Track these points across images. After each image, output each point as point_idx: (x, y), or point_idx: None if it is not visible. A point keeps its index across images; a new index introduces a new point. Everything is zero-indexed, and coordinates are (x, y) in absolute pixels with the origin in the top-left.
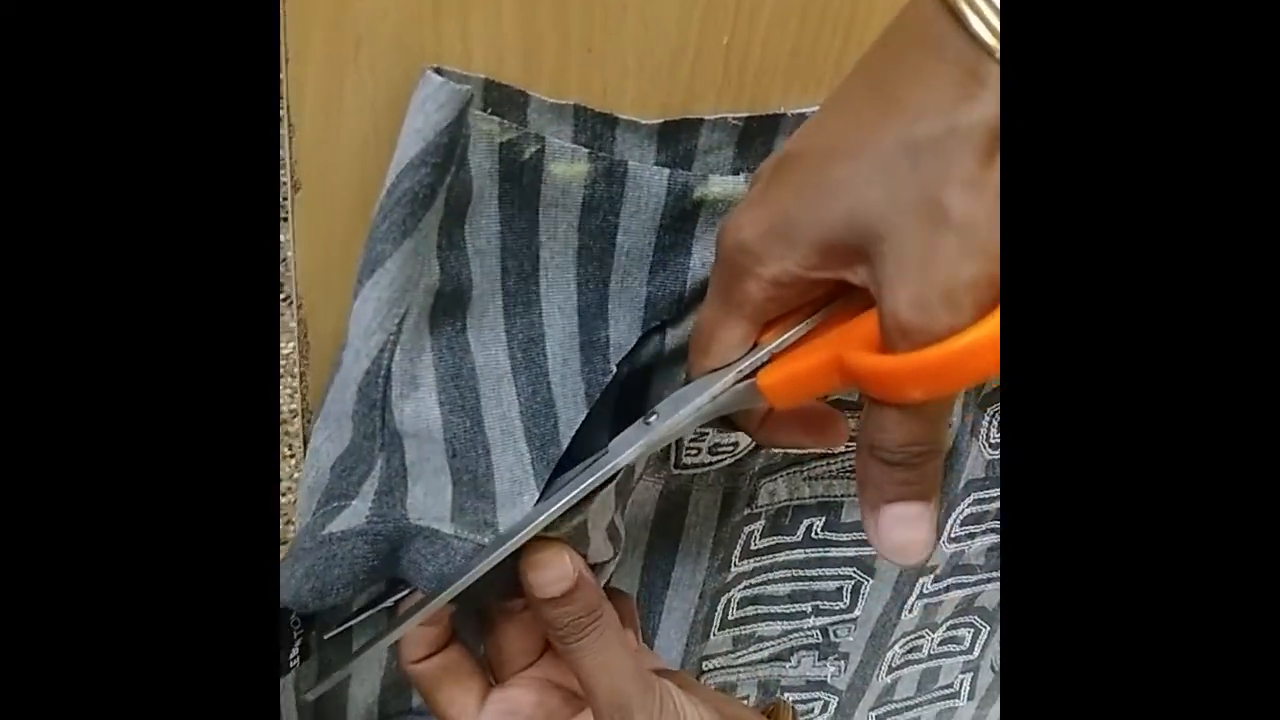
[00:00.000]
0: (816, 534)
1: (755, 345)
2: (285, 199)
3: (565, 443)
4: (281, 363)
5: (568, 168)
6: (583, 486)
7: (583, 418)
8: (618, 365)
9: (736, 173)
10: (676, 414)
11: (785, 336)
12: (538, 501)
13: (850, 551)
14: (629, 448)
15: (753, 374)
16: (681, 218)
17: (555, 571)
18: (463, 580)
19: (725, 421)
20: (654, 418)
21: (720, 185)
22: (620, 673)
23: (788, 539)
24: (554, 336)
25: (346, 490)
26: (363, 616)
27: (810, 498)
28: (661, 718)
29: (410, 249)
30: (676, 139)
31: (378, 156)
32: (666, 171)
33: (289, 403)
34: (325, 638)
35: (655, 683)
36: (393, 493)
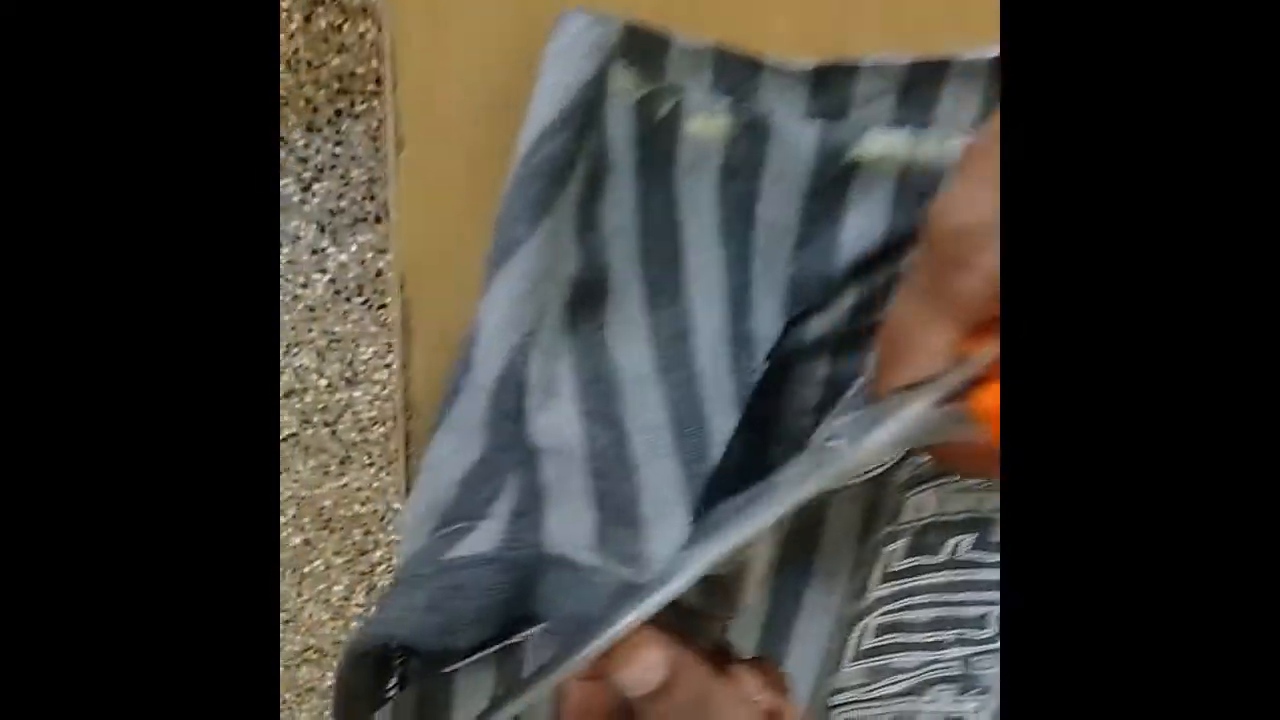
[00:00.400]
0: (963, 554)
1: (962, 357)
2: (386, 158)
3: (717, 456)
4: (369, 355)
5: (706, 123)
6: (745, 527)
7: (734, 426)
8: (767, 357)
9: (900, 125)
10: (864, 442)
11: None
12: (690, 530)
13: (998, 574)
14: (802, 481)
15: (963, 394)
16: (832, 183)
17: (641, 665)
18: (608, 634)
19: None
20: (833, 441)
21: (880, 142)
22: None
23: (930, 559)
24: (702, 330)
25: (474, 510)
26: (476, 657)
27: (958, 513)
28: None
29: (549, 230)
30: (830, 85)
31: (490, 111)
32: (818, 124)
33: (370, 407)
34: (443, 670)
35: None
36: (528, 515)
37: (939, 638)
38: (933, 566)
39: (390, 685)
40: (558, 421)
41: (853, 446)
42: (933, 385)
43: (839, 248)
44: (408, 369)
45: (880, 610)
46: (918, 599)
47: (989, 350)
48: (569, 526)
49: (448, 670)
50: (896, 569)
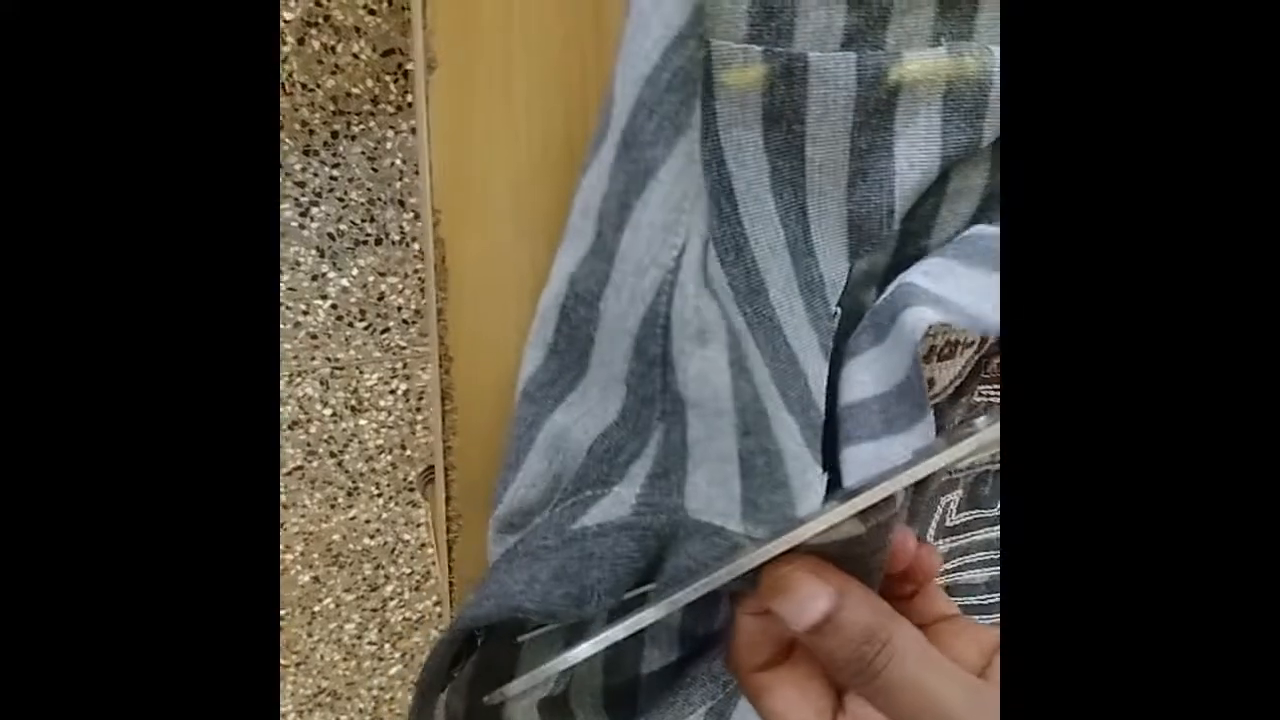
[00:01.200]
0: (952, 514)
1: None
2: (418, 81)
3: (822, 408)
4: (374, 381)
5: (741, 74)
6: (882, 486)
7: (825, 374)
8: (838, 306)
9: (937, 40)
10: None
11: None
12: (825, 498)
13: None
14: (938, 454)
15: None
16: (877, 111)
17: (802, 596)
18: (726, 570)
19: None
20: (981, 420)
21: (919, 62)
22: (944, 703)
23: (987, 513)
24: (775, 283)
25: (608, 475)
26: (550, 627)
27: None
28: None
29: (685, 152)
30: None
31: (524, 25)
32: (853, 56)
33: (377, 435)
34: (519, 639)
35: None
36: (668, 475)
37: (997, 600)
38: (990, 520)
39: (462, 662)
40: (707, 371)
41: (990, 425)
42: None
43: (894, 177)
44: (443, 314)
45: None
46: (974, 557)
47: None
48: (714, 491)
49: (530, 636)
50: (952, 523)
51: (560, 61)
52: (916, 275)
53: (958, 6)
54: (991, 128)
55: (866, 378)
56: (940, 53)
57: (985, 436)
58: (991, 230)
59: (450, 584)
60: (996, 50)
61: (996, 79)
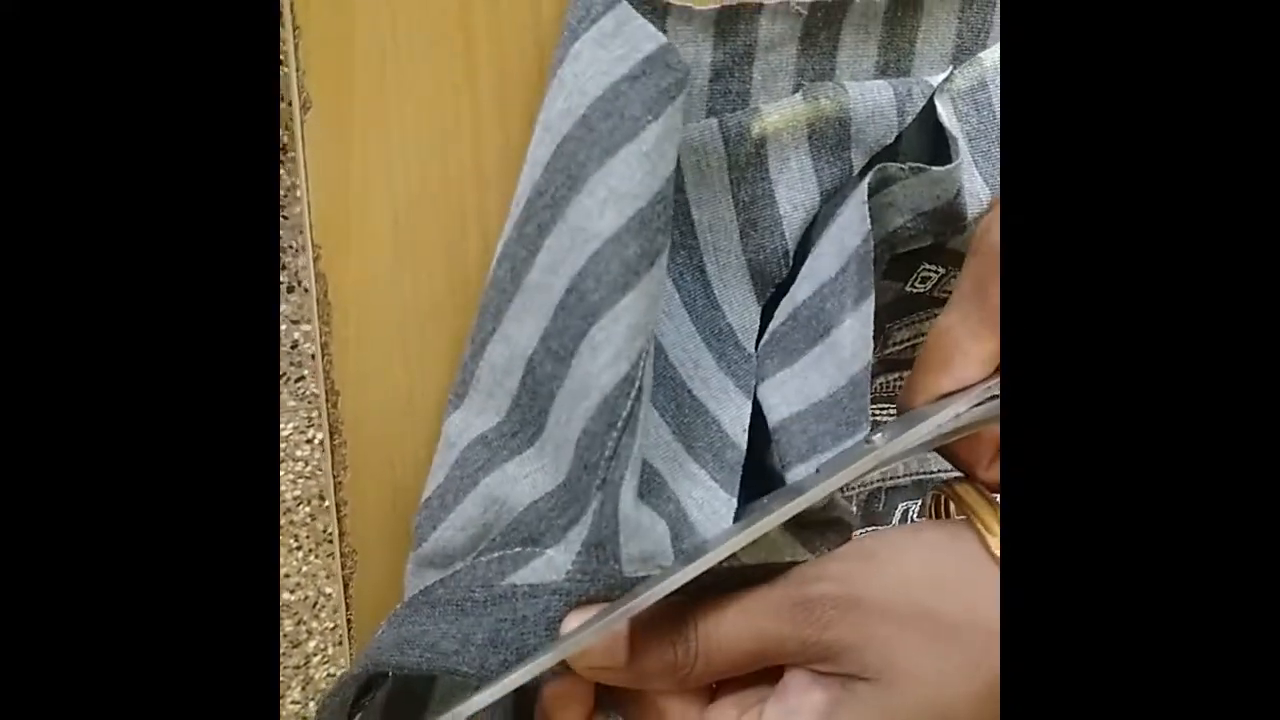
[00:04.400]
0: (914, 519)
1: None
2: (290, 123)
3: (742, 442)
4: (289, 431)
5: None
6: (776, 514)
7: (747, 412)
8: (758, 348)
9: (796, 88)
10: (902, 439)
11: None
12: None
13: None
14: (837, 474)
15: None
16: (750, 165)
17: (598, 653)
18: (648, 595)
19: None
20: (878, 437)
21: (778, 113)
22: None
23: (882, 528)
24: (674, 344)
25: (542, 535)
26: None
27: (905, 476)
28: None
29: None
30: (735, 30)
31: (397, 63)
32: (714, 121)
33: (294, 486)
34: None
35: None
36: (604, 545)
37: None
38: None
39: (373, 692)
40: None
41: (890, 443)
42: (969, 393)
43: (782, 221)
44: (328, 348)
45: None
46: None
47: None
48: (648, 549)
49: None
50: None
51: (434, 96)
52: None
53: (819, 44)
54: (859, 155)
55: (777, 400)
56: (796, 100)
57: (883, 454)
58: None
59: (349, 620)
60: (850, 87)
61: (853, 113)
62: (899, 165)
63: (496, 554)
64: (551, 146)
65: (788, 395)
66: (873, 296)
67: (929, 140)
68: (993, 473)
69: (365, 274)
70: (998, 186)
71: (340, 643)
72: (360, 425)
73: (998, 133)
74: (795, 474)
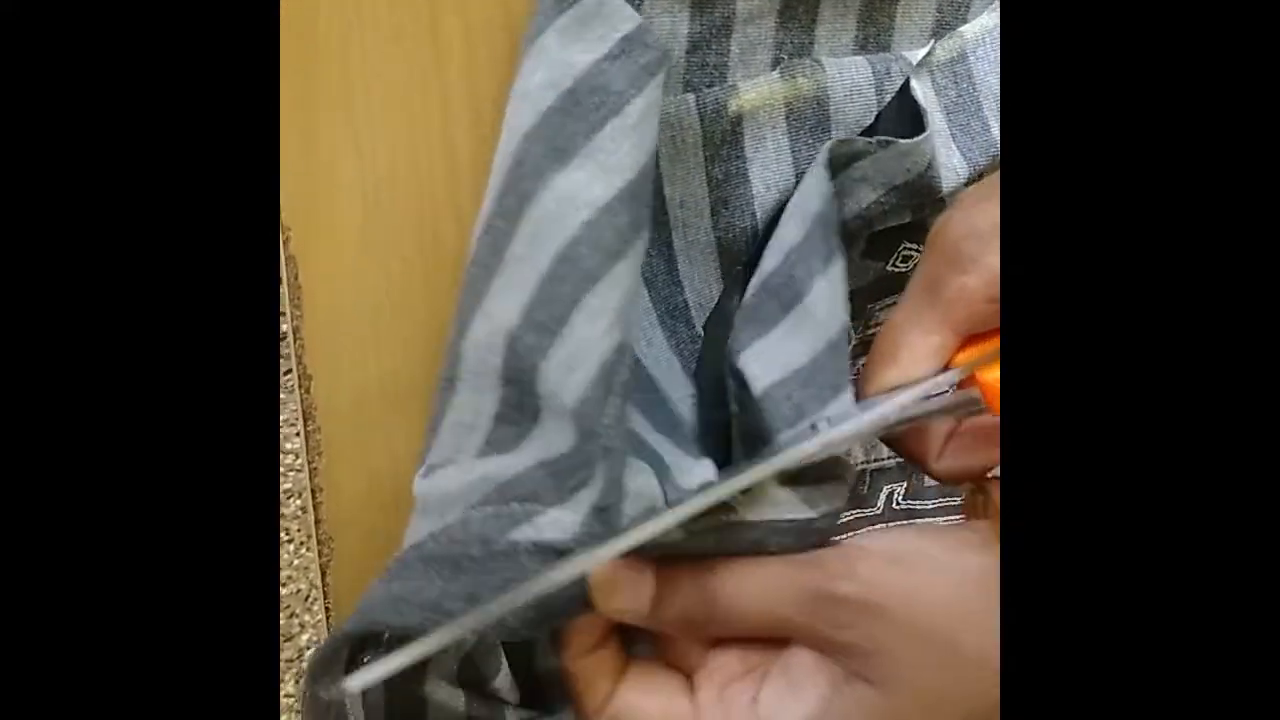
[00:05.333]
0: (898, 503)
1: (948, 368)
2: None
3: (690, 419)
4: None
5: None
6: (721, 491)
7: (689, 392)
8: (704, 328)
9: (775, 62)
10: (844, 427)
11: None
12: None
13: (939, 520)
14: (779, 456)
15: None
16: (725, 143)
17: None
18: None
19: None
20: (823, 424)
21: (754, 91)
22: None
23: (867, 511)
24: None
25: (541, 494)
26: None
27: (890, 458)
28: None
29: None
30: (712, 2)
31: (361, 45)
32: (691, 97)
33: (284, 479)
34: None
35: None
36: (608, 510)
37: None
38: (871, 517)
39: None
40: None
41: (832, 430)
42: (917, 387)
43: (754, 200)
44: (300, 332)
45: None
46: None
47: (974, 357)
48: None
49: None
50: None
51: (402, 77)
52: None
53: (797, 18)
54: (839, 136)
55: (758, 370)
56: (774, 78)
57: (827, 439)
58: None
59: (327, 609)
60: (827, 64)
61: (831, 92)
62: (866, 140)
63: (491, 509)
64: (533, 116)
65: (767, 364)
66: (841, 260)
67: (907, 116)
68: (943, 465)
69: (335, 257)
70: (977, 161)
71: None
72: (334, 411)
73: (977, 105)
74: (784, 440)
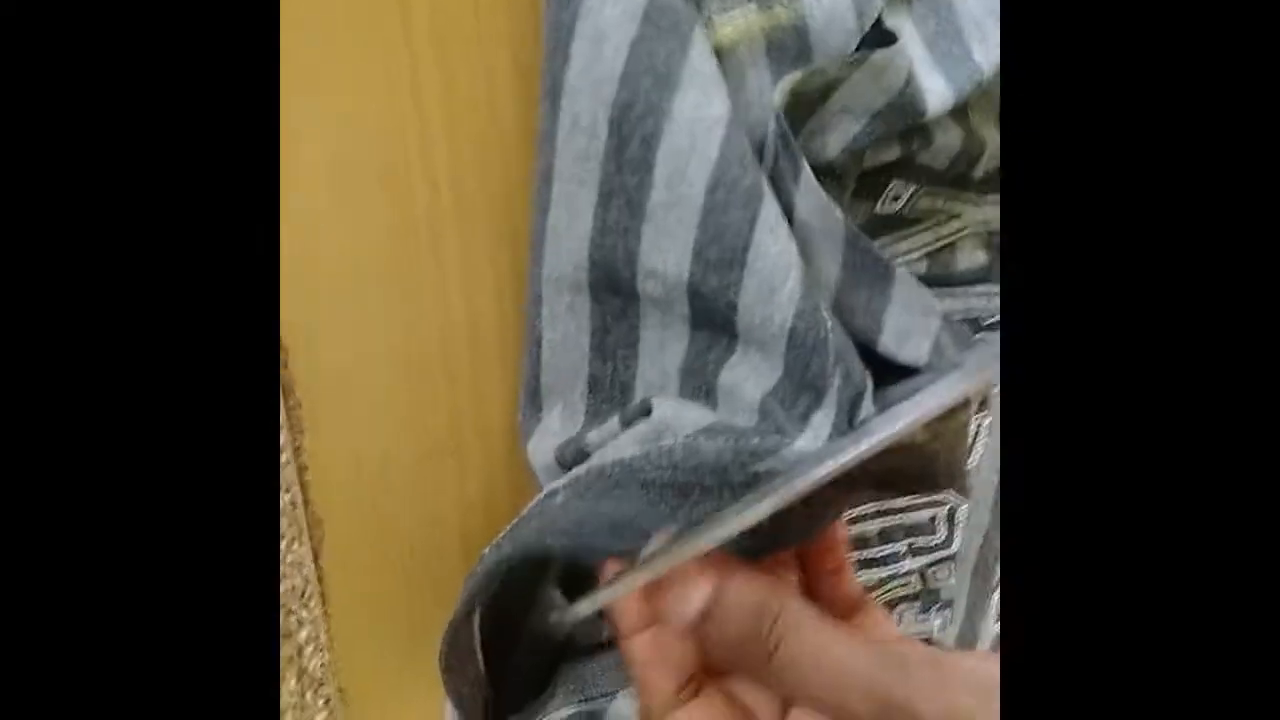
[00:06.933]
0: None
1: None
2: None
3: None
4: None
5: None
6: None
7: None
8: None
9: None
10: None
11: None
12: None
13: None
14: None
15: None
16: None
17: (684, 582)
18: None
19: None
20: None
21: (730, 25)
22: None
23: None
24: None
25: (784, 423)
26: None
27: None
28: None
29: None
30: None
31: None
32: None
33: None
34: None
35: (902, 649)
36: (857, 406)
37: (893, 549)
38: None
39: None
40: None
41: (888, 423)
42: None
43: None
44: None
45: None
46: (864, 510)
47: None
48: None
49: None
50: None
51: (368, 42)
52: None
53: None
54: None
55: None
56: (750, 9)
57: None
58: None
59: (322, 594)
60: None
61: (810, 20)
62: (837, 62)
63: (722, 439)
64: (624, 53)
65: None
66: (805, 165)
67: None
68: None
69: (303, 223)
70: (961, 86)
71: (328, 629)
72: (313, 385)
73: (958, 31)
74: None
